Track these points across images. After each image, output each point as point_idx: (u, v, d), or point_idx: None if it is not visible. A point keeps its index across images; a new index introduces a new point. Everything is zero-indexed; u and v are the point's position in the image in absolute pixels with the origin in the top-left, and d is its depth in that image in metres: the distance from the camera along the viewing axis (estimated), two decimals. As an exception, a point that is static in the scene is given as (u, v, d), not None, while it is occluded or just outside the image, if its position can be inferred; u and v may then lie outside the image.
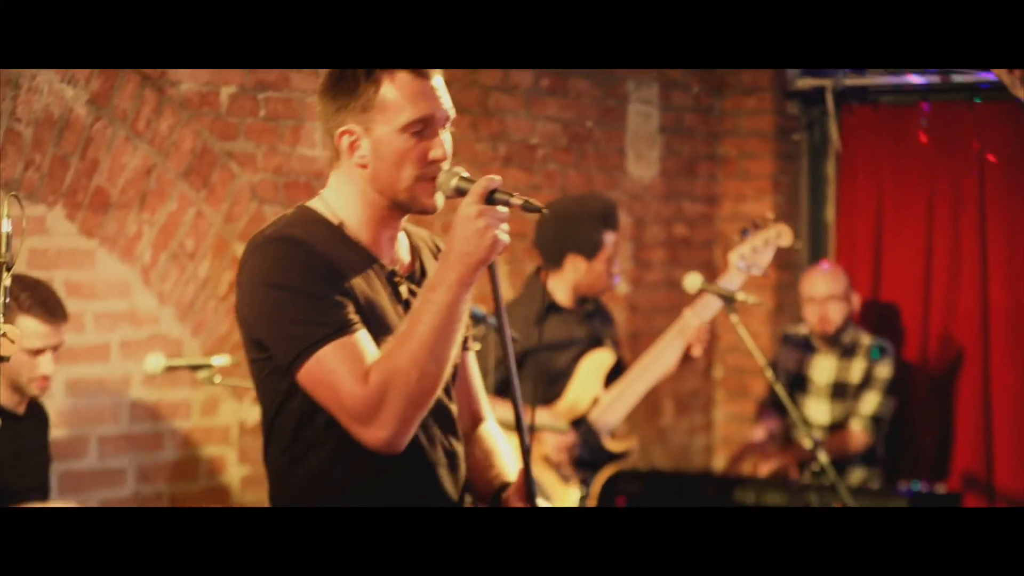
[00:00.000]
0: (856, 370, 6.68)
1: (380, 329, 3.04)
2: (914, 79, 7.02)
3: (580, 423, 5.37)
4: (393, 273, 3.15)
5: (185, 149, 5.25)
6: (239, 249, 5.33)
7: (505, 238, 2.96)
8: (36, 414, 4.67)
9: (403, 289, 3.15)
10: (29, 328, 4.40)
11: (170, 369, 4.86)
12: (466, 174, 3.06)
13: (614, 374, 5.51)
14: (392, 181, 3.06)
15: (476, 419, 3.37)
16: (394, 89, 3.05)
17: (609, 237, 5.43)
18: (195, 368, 4.86)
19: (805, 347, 6.80)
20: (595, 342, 5.51)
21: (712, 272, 6.76)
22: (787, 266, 7.51)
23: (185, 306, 5.39)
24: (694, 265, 6.74)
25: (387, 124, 3.04)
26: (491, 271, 3.02)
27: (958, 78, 6.85)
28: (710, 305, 5.46)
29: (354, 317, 2.99)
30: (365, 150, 3.08)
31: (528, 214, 3.01)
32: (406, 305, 3.12)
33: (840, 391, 6.69)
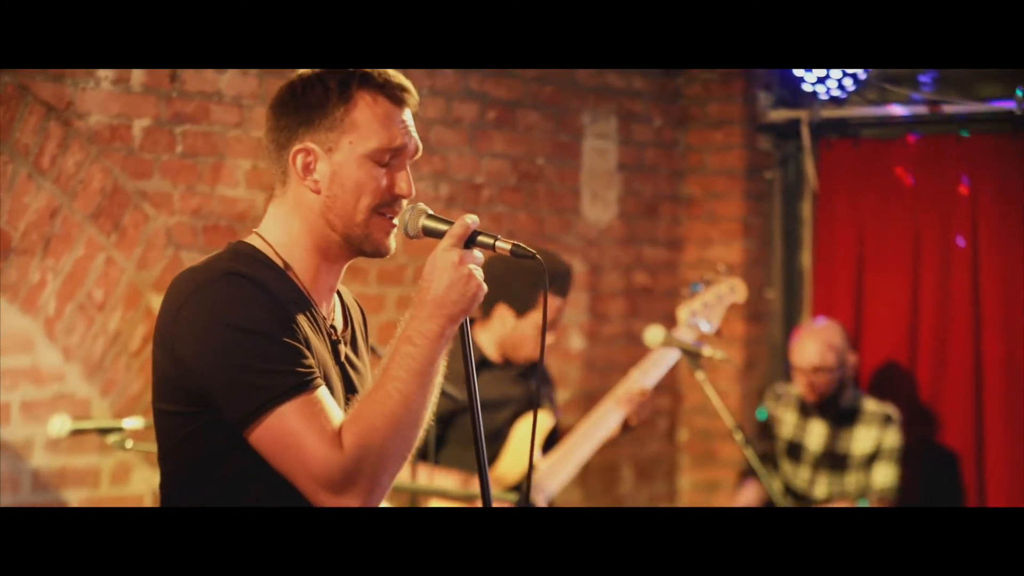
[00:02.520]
0: (858, 439, 6.63)
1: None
2: (897, 110, 7.07)
3: (516, 490, 5.34)
4: (333, 329, 3.10)
5: (94, 188, 5.27)
6: (153, 299, 5.40)
7: (484, 285, 2.95)
8: None
9: (341, 349, 3.10)
10: None
11: (77, 432, 4.88)
12: (432, 212, 3.03)
13: (551, 439, 5.52)
14: (347, 212, 2.99)
15: None
16: (368, 111, 2.99)
17: (553, 301, 5.35)
18: (104, 432, 4.87)
19: (803, 410, 6.77)
20: (531, 403, 5.45)
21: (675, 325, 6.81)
22: (758, 318, 7.59)
23: (93, 363, 5.40)
24: (656, 317, 6.77)
25: (353, 148, 2.98)
26: (463, 323, 2.99)
27: (946, 109, 6.91)
28: (661, 363, 5.50)
29: (317, 371, 2.90)
30: (321, 174, 3.00)
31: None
32: (342, 368, 3.06)
33: (832, 461, 6.65)
